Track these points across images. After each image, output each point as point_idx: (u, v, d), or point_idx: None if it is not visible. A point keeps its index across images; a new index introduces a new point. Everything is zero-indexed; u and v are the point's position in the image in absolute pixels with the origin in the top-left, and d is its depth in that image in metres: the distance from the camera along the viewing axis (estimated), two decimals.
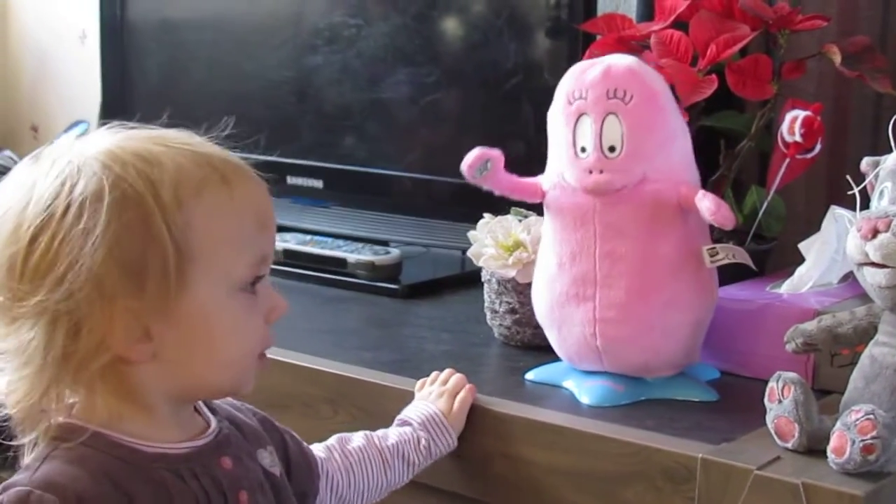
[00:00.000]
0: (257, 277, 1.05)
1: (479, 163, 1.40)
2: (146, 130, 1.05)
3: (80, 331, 0.98)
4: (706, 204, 1.32)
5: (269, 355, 1.57)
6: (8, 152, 2.88)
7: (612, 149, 1.34)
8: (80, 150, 1.02)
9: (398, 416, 1.34)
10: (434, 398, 1.35)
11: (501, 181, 1.42)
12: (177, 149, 1.03)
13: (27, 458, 1.02)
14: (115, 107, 2.47)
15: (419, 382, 1.40)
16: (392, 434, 1.31)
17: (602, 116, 1.34)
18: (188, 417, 1.09)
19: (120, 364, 1.00)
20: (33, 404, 1.00)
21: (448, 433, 1.33)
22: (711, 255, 1.36)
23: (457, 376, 1.38)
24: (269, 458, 1.13)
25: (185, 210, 1.00)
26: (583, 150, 1.36)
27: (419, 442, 1.31)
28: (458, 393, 1.36)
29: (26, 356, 0.99)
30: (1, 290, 0.99)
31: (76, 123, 2.79)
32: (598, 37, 1.62)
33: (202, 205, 1.01)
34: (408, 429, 1.32)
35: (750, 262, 1.40)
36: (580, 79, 1.36)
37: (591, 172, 1.35)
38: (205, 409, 1.11)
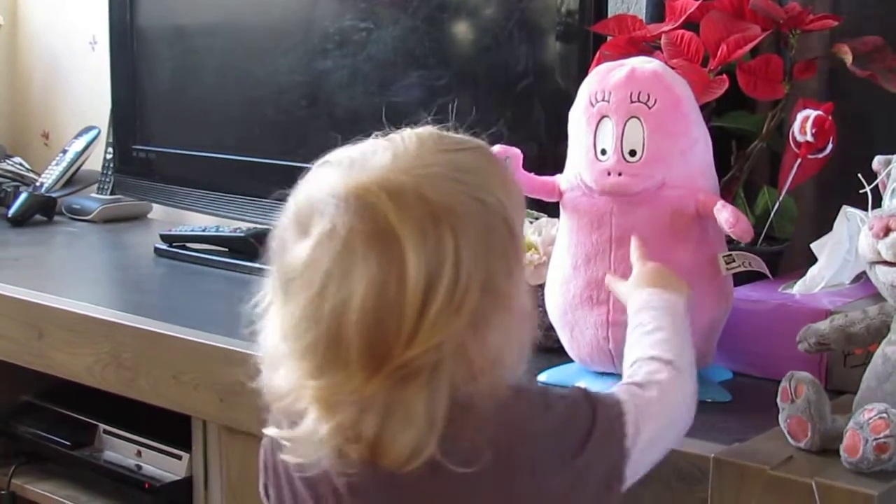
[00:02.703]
0: None
1: None
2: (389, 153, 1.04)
3: (487, 339, 1.01)
4: (725, 215, 1.32)
5: None
6: (19, 159, 2.89)
7: (632, 153, 1.34)
8: (384, 204, 0.99)
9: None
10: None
11: (519, 179, 1.42)
12: (462, 152, 1.06)
13: None
14: (126, 113, 2.48)
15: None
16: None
17: (624, 120, 1.34)
18: None
19: None
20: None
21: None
22: (727, 263, 1.36)
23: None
24: None
25: (509, 208, 1.04)
26: (603, 152, 1.35)
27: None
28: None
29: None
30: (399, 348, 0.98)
31: (87, 129, 2.80)
32: (609, 38, 1.61)
33: (511, 200, 1.06)
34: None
35: (766, 270, 1.39)
36: (604, 80, 1.36)
37: (609, 174, 1.35)
38: None
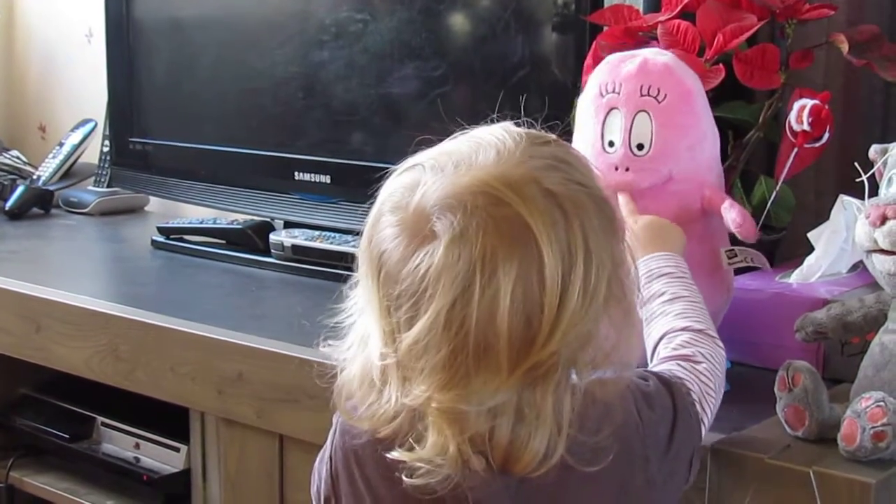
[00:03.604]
0: None
1: None
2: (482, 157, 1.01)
3: (608, 331, 1.01)
4: (732, 215, 1.32)
5: (274, 349, 1.58)
6: (16, 152, 2.89)
7: (640, 146, 1.34)
8: (516, 193, 0.97)
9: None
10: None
11: None
12: (550, 144, 1.04)
13: None
14: (123, 105, 2.47)
15: None
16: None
17: (633, 113, 1.33)
18: None
19: None
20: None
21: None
22: (729, 257, 1.37)
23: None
24: None
25: (606, 192, 1.04)
26: (611, 144, 1.35)
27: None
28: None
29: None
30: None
31: (84, 122, 2.79)
32: (605, 28, 1.61)
33: (602, 184, 1.06)
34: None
35: (767, 266, 1.40)
36: (615, 71, 1.36)
37: (617, 169, 1.35)
38: None
